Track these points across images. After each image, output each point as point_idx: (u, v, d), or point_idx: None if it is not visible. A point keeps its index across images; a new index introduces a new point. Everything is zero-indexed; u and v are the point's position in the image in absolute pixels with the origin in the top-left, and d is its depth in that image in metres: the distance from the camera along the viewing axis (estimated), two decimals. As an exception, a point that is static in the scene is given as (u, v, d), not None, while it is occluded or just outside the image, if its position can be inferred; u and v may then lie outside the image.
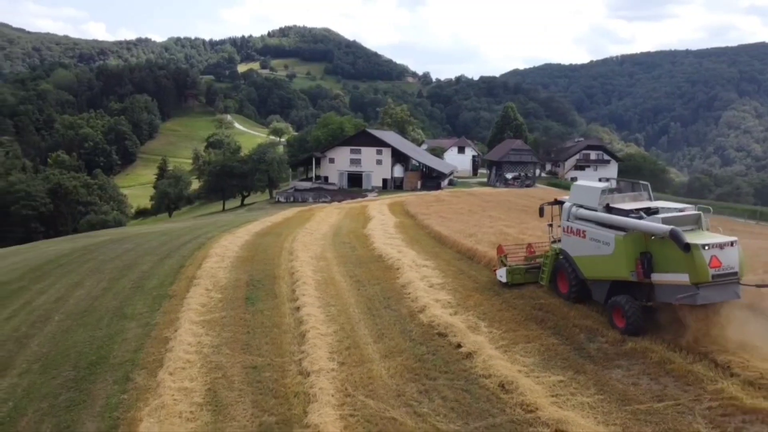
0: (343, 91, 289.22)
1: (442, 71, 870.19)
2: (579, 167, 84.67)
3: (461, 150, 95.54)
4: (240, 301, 17.72)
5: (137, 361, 13.93)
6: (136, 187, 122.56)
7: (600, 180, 23.16)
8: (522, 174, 69.87)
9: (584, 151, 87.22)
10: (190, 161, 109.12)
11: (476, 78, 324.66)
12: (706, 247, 11.36)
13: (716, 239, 11.69)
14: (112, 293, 20.21)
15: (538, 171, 77.77)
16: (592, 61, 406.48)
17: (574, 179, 67.47)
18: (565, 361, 11.62)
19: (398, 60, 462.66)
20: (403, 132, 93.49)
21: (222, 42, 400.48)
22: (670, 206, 13.31)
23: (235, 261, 22.67)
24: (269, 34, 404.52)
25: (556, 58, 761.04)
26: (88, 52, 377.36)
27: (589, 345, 12.31)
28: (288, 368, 12.66)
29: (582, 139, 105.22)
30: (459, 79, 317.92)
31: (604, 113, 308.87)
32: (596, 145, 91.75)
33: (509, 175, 69.57)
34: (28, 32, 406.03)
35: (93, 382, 13.31)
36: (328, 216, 37.20)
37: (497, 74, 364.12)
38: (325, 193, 56.96)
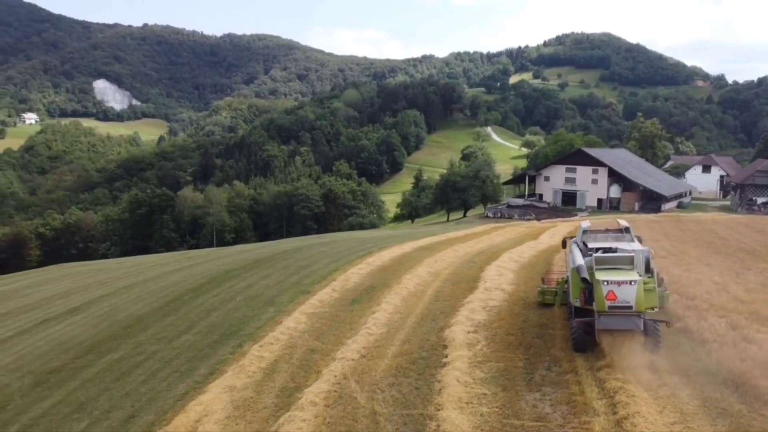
0: (617, 98, 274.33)
1: (743, 72, 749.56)
2: None
3: (706, 169, 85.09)
4: (347, 302, 22.55)
5: (252, 335, 19.84)
6: (398, 194, 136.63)
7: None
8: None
9: None
10: (445, 171, 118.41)
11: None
12: (606, 283, 13.21)
13: (618, 278, 13.25)
14: (278, 286, 26.91)
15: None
16: None
17: None
18: (507, 380, 13.80)
19: (689, 62, 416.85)
20: (652, 147, 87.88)
21: (498, 54, 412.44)
22: (627, 248, 14.70)
23: (376, 270, 27.61)
24: (544, 44, 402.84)
25: None
26: (381, 70, 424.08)
27: (542, 369, 14.14)
28: (328, 354, 17.05)
29: None
30: (762, 81, 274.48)
31: None
32: None
33: (761, 200, 61.27)
34: (336, 55, 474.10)
35: (223, 344, 19.59)
36: (504, 234, 39.79)
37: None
38: (532, 210, 58.48)
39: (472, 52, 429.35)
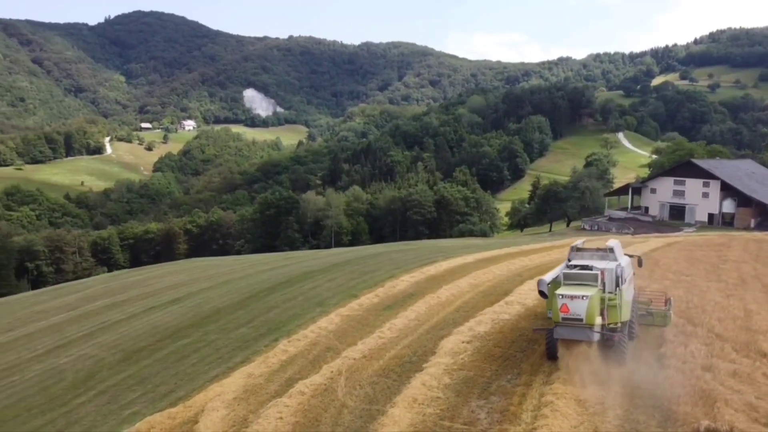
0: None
1: None
2: None
3: None
4: (382, 307, 24.52)
5: (289, 331, 22.53)
6: (518, 201, 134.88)
7: None
8: None
9: None
10: (568, 179, 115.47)
11: None
12: (561, 297, 14.51)
13: (572, 293, 14.55)
14: (336, 289, 29.48)
15: None
16: None
17: None
18: (466, 387, 15.10)
19: None
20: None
21: (642, 54, 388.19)
22: (600, 266, 15.73)
23: (426, 279, 29.22)
24: (695, 41, 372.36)
25: None
26: (514, 74, 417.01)
27: (503, 380, 15.23)
28: (339, 352, 19.18)
29: None
30: None
31: None
32: None
33: None
34: (470, 60, 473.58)
35: (264, 338, 22.50)
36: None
37: None
38: (633, 224, 56.03)
39: (612, 52, 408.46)
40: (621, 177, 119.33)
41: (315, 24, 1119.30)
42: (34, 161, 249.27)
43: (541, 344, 17.41)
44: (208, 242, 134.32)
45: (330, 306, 25.61)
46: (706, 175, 59.43)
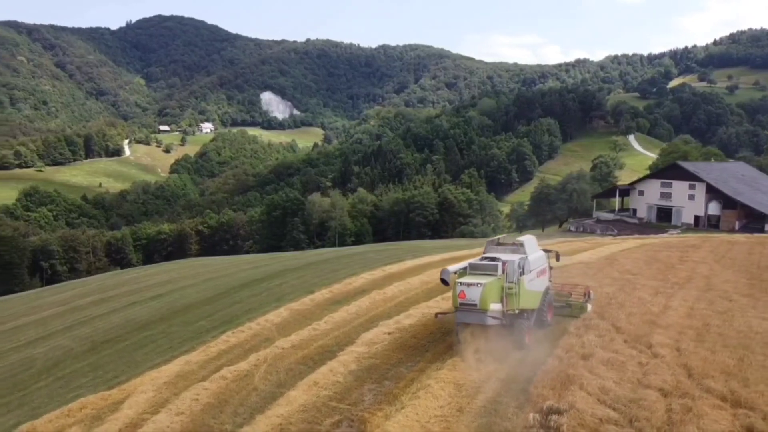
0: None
1: None
2: None
3: None
4: (331, 302, 25.67)
5: (238, 324, 23.80)
6: (517, 203, 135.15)
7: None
8: None
9: None
10: None
11: None
12: (460, 284, 16.05)
13: (470, 281, 16.14)
14: (300, 286, 30.71)
15: None
16: None
17: None
18: (367, 373, 16.25)
19: None
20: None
21: (660, 56, 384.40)
22: (504, 258, 17.33)
23: (384, 276, 30.32)
24: (715, 42, 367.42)
25: None
26: (531, 77, 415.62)
27: (402, 367, 16.35)
28: (273, 342, 20.42)
29: None
30: None
31: None
32: None
33: None
34: (486, 62, 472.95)
35: (216, 330, 23.74)
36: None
37: None
38: (619, 226, 56.48)
39: (630, 54, 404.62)
40: (627, 180, 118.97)
41: (332, 27, 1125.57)
42: (55, 163, 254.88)
43: (451, 335, 18.51)
44: (219, 243, 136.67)
45: (285, 301, 26.86)
46: (692, 177, 59.61)
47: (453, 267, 18.36)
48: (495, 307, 16.51)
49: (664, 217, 61.07)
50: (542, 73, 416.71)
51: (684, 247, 39.03)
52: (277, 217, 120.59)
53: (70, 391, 19.73)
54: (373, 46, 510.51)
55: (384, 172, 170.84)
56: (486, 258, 18.15)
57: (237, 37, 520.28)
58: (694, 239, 44.58)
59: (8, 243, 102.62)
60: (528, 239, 19.47)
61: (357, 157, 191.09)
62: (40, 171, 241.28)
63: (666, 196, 61.37)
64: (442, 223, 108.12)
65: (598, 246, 41.97)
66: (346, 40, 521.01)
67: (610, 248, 39.60)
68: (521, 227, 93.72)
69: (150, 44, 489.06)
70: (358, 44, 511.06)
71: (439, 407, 13.36)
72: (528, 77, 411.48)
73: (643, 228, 56.53)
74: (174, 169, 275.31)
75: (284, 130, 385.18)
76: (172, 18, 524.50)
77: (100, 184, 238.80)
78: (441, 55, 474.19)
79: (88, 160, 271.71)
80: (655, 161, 78.36)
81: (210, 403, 15.75)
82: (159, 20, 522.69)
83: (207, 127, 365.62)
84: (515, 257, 17.74)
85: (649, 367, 14.56)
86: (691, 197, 59.65)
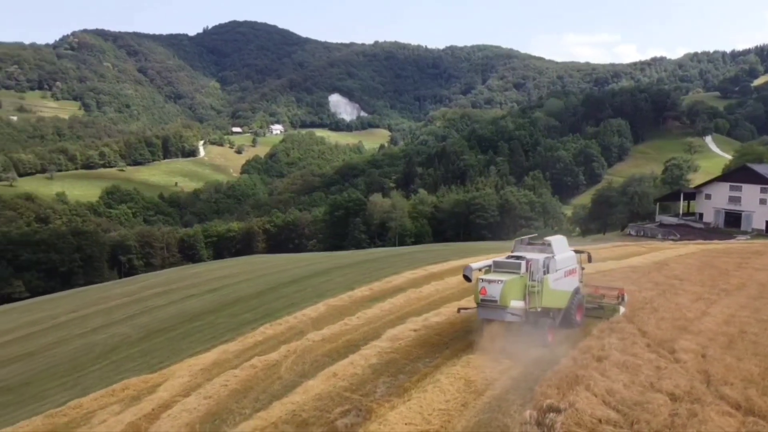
0: None
1: None
2: None
3: None
4: (369, 299, 26.29)
5: (278, 317, 24.81)
6: (580, 206, 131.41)
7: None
8: None
9: None
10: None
11: None
12: (482, 281, 16.47)
13: (491, 278, 16.47)
14: (343, 283, 31.54)
15: None
16: None
17: None
18: (386, 367, 16.71)
19: None
20: None
21: (745, 52, 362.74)
22: (528, 257, 17.57)
23: (425, 275, 30.64)
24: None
25: None
26: (603, 76, 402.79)
27: (420, 362, 16.71)
28: (305, 335, 21.26)
29: None
30: None
31: None
32: None
33: None
34: (557, 62, 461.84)
35: (256, 322, 24.88)
36: (605, 251, 39.20)
37: None
38: (682, 230, 54.17)
39: (711, 51, 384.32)
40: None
41: (400, 29, 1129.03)
42: (135, 163, 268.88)
43: (473, 333, 18.70)
44: (284, 241, 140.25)
45: (325, 297, 27.71)
46: (763, 180, 56.27)
47: (476, 264, 18.70)
48: (515, 304, 16.77)
49: (733, 222, 57.94)
50: (615, 72, 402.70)
51: (746, 254, 37.18)
52: (339, 217, 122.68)
53: (119, 374, 21.26)
54: (441, 47, 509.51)
55: (447, 174, 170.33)
56: (512, 256, 18.38)
57: (307, 40, 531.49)
58: (760, 246, 42.32)
59: (89, 237, 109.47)
60: (556, 239, 19.53)
61: (421, 158, 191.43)
62: (122, 170, 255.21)
63: (735, 200, 58.15)
64: (503, 226, 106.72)
65: (654, 250, 40.61)
66: (414, 42, 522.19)
67: (666, 253, 38.24)
68: (584, 231, 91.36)
69: (225, 49, 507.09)
70: (426, 46, 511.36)
71: (444, 401, 13.67)
72: (600, 77, 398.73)
73: (709, 233, 53.89)
74: (245, 169, 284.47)
75: (351, 132, 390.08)
76: (245, 23, 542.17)
77: (176, 184, 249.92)
78: (509, 56, 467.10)
79: (166, 160, 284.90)
80: (728, 163, 74.25)
81: (236, 389, 16.68)
82: (234, 26, 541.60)
83: (277, 128, 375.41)
84: (540, 256, 17.92)
85: (666, 371, 14.29)
86: (763, 201, 56.30)
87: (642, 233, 56.43)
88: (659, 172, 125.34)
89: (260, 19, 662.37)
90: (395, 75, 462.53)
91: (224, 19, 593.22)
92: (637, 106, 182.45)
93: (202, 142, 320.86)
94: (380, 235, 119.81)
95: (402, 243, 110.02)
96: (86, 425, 15.68)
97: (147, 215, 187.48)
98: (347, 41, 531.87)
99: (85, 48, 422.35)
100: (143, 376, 19.41)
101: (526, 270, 17.25)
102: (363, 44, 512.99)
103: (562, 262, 18.77)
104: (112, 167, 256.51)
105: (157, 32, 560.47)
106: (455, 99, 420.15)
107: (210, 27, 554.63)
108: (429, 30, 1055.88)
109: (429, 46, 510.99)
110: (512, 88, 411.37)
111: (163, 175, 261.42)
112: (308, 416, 13.73)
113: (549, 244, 18.66)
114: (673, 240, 50.52)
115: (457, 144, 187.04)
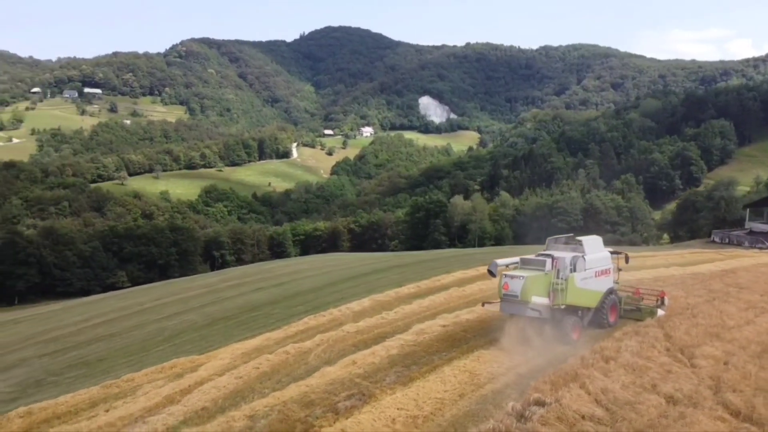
0: None
1: None
2: None
3: None
4: (413, 296, 26.97)
5: (323, 310, 26.03)
6: (668, 211, 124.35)
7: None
8: None
9: None
10: (747, 189, 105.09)
11: None
12: (505, 276, 17.12)
13: (514, 273, 17.10)
14: (397, 280, 32.43)
15: None
16: None
17: None
18: (403, 357, 17.38)
19: None
20: None
21: None
22: (556, 255, 17.91)
23: (474, 276, 30.87)
24: None
25: None
26: (710, 74, 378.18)
27: (436, 356, 17.23)
28: (342, 327, 22.30)
29: None
30: None
31: None
32: None
33: None
34: (659, 60, 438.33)
35: (305, 314, 26.27)
36: (670, 258, 37.66)
37: None
38: (772, 239, 50.28)
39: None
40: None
41: (492, 30, 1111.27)
42: (233, 164, 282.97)
43: (498, 331, 18.99)
44: (368, 241, 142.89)
45: (374, 293, 28.73)
46: None
47: (502, 261, 19.07)
48: (537, 300, 17.13)
49: (841, 228, 53.01)
50: (725, 69, 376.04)
51: None
52: (420, 218, 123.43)
53: (175, 355, 23.24)
54: (534, 47, 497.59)
55: (533, 176, 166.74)
56: (541, 254, 18.68)
57: (399, 43, 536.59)
58: None
59: (185, 233, 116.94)
60: (590, 239, 19.65)
61: (507, 160, 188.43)
62: (220, 171, 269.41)
63: (843, 208, 53.14)
64: (586, 230, 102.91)
65: (731, 258, 38.51)
66: (506, 43, 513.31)
67: (743, 261, 36.22)
68: (674, 237, 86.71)
69: (320, 54, 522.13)
70: (518, 46, 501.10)
71: (443, 391, 14.22)
72: (707, 75, 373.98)
73: (805, 243, 49.78)
74: (334, 170, 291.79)
75: (440, 134, 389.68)
76: (340, 29, 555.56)
77: (269, 184, 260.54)
78: (607, 54, 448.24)
79: (261, 161, 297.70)
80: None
81: (265, 372, 17.99)
82: (328, 31, 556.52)
83: (367, 131, 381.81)
84: (569, 255, 18.18)
85: (673, 375, 14.04)
86: None
87: (727, 240, 53.04)
88: (765, 177, 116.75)
89: (354, 24, 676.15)
90: (486, 76, 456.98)
91: (320, 25, 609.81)
92: (745, 105, 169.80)
93: (295, 144, 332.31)
94: (460, 237, 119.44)
95: (482, 245, 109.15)
96: (131, 395, 17.55)
97: (241, 213, 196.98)
98: (438, 43, 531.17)
99: (191, 56, 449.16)
100: (191, 357, 21.24)
101: (552, 267, 17.60)
102: (454, 46, 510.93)
103: (594, 261, 18.86)
104: (211, 167, 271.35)
105: (257, 39, 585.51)
106: (548, 100, 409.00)
107: (306, 33, 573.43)
108: (522, 31, 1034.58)
109: (522, 47, 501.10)
110: (609, 88, 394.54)
111: (257, 176, 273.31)
112: (316, 398, 14.70)
113: (580, 244, 18.87)
114: (759, 248, 47.24)
115: (546, 146, 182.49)
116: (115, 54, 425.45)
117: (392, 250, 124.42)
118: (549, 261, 17.73)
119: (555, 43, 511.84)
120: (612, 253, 20.61)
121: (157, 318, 36.17)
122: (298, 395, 15.00)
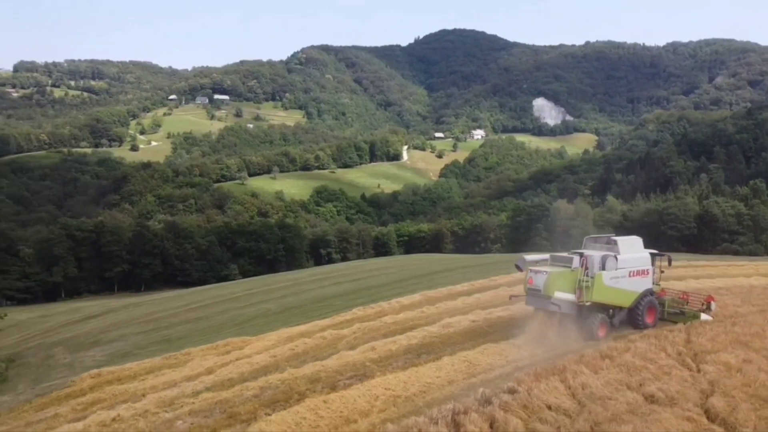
0: None
1: None
2: None
3: None
4: (462, 294, 27.58)
5: (378, 301, 27.44)
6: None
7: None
8: None
9: None
10: None
11: None
12: (530, 271, 18.05)
13: (539, 269, 17.94)
14: (455, 279, 33.10)
15: None
16: None
17: None
18: (424, 348, 18.31)
19: None
20: None
21: None
22: (588, 253, 18.43)
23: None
24: None
25: None
26: None
27: (454, 347, 17.97)
28: (382, 318, 23.52)
29: None
30: None
31: None
32: None
33: None
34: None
35: (352, 307, 27.87)
36: (750, 269, 35.13)
37: None
38: None
39: None
40: None
41: (613, 28, 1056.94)
42: (345, 165, 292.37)
43: (519, 328, 19.34)
44: (471, 244, 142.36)
45: (429, 289, 29.75)
46: None
47: (530, 257, 19.57)
48: (560, 295, 17.64)
49: None
50: None
51: None
52: (521, 222, 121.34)
53: (235, 335, 25.70)
54: (661, 44, 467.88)
55: (649, 181, 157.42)
56: (574, 252, 19.15)
57: (514, 44, 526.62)
58: None
59: (292, 231, 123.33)
60: (626, 239, 19.78)
61: (621, 164, 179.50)
62: (333, 172, 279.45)
63: None
64: (701, 239, 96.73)
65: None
66: (629, 41, 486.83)
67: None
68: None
69: (433, 57, 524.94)
70: (643, 44, 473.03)
71: (435, 377, 15.10)
72: None
73: None
74: (443, 173, 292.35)
75: (555, 137, 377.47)
76: (454, 32, 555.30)
77: (378, 185, 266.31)
78: (744, 49, 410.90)
79: (372, 163, 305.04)
80: None
81: (297, 353, 19.75)
82: (443, 34, 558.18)
83: (478, 133, 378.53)
84: (599, 254, 18.45)
85: (667, 377, 13.91)
86: None
87: None
88: None
89: (468, 26, 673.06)
90: (606, 76, 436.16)
91: (435, 29, 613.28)
92: None
93: (405, 147, 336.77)
94: (563, 242, 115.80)
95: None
96: (182, 366, 19.97)
97: (349, 213, 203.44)
98: (556, 43, 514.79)
99: (311, 62, 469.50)
100: (243, 338, 23.52)
101: (580, 265, 17.95)
102: (572, 45, 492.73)
103: (627, 261, 18.83)
104: (324, 169, 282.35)
105: (372, 45, 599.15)
106: (674, 100, 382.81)
107: (421, 37, 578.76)
108: (647, 26, 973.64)
109: (647, 44, 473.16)
110: (746, 86, 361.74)
111: (367, 177, 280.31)
112: (325, 376, 16.13)
113: (615, 243, 18.99)
114: None
115: (665, 149, 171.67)
116: (242, 62, 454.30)
117: (494, 253, 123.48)
118: (577, 258, 18.17)
119: (684, 39, 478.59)
120: (654, 254, 20.29)
121: (241, 306, 39.32)
122: (310, 373, 16.51)
